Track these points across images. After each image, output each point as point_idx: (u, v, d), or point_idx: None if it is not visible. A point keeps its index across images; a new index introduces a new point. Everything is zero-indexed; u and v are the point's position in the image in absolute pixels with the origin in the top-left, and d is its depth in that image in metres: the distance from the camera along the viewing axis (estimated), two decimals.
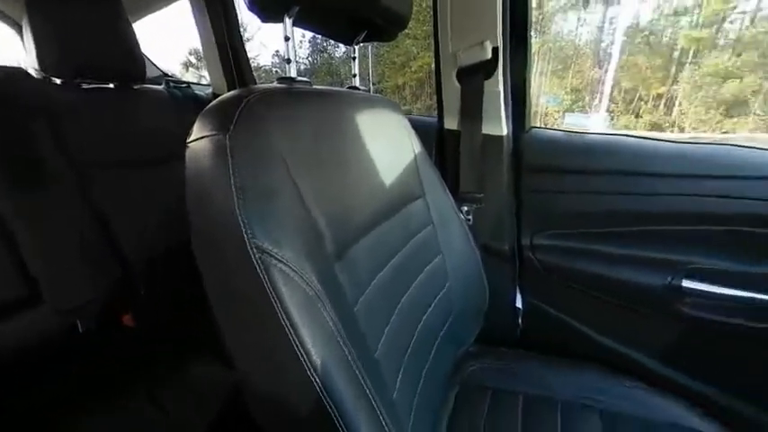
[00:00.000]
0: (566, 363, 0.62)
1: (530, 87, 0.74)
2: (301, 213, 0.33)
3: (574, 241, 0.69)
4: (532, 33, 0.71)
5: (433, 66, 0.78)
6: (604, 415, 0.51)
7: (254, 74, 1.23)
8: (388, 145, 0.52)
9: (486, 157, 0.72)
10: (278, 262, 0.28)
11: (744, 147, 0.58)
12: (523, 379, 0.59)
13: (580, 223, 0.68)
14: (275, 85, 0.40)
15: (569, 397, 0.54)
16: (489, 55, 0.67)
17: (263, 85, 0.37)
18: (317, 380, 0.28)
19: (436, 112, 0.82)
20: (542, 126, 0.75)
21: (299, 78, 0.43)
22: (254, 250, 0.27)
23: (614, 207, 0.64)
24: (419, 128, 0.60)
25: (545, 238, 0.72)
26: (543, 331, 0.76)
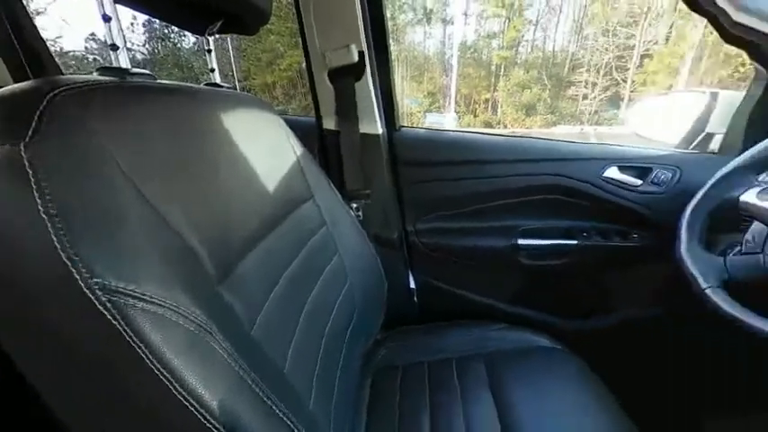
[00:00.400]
0: (457, 325, 0.74)
1: (395, 90, 0.82)
2: (163, 234, 0.27)
3: (447, 222, 0.81)
4: (391, 41, 0.78)
5: (303, 65, 0.76)
6: (486, 358, 0.63)
7: (59, 60, 0.92)
8: (266, 147, 0.48)
9: (367, 154, 0.77)
10: (138, 301, 0.22)
11: (540, 138, 0.81)
12: (426, 349, 0.67)
13: (450, 206, 0.81)
14: (96, 76, 0.31)
15: (461, 353, 0.65)
16: (356, 58, 0.70)
17: (76, 76, 0.28)
18: (218, 425, 0.24)
19: (313, 112, 0.81)
20: (410, 125, 0.85)
21: (137, 71, 0.34)
22: (98, 293, 0.21)
23: (472, 190, 0.80)
24: (298, 129, 0.58)
25: (425, 222, 0.82)
26: (436, 303, 0.87)
